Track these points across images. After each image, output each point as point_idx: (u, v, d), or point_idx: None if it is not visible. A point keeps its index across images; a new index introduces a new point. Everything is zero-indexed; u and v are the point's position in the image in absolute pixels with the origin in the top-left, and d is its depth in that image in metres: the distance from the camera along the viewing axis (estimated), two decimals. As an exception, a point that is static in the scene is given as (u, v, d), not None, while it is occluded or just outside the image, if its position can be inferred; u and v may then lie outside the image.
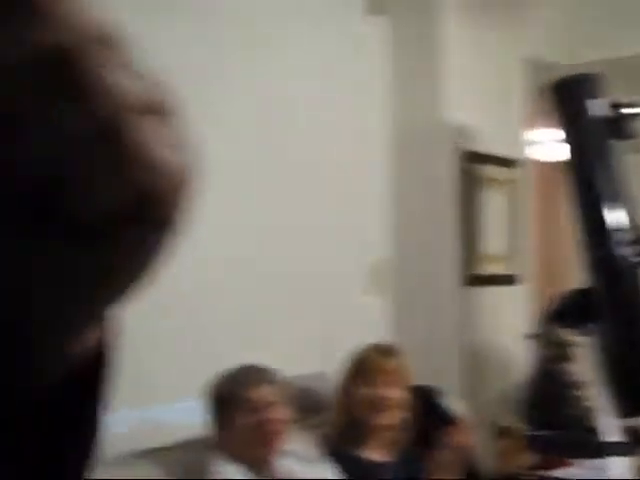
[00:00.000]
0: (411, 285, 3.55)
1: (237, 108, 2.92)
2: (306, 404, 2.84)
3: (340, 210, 3.35)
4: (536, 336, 2.93)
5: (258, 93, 3.01)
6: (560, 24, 4.51)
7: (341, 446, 2.59)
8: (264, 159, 3.05)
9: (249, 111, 2.98)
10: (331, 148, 3.32)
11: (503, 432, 3.16)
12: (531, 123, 4.21)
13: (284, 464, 2.33)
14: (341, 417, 2.66)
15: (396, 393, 2.67)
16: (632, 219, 2.47)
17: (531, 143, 4.65)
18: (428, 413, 3.09)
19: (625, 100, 2.48)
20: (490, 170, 3.75)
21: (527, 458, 3.33)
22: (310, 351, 3.04)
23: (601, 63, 4.14)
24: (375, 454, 2.65)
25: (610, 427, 2.42)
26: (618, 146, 2.48)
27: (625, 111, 2.45)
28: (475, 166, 3.65)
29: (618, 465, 2.40)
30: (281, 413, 2.28)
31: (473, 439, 2.84)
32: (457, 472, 2.59)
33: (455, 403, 3.28)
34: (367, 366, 2.68)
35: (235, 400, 2.26)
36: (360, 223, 3.45)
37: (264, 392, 2.27)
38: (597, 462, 3.05)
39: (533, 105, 4.00)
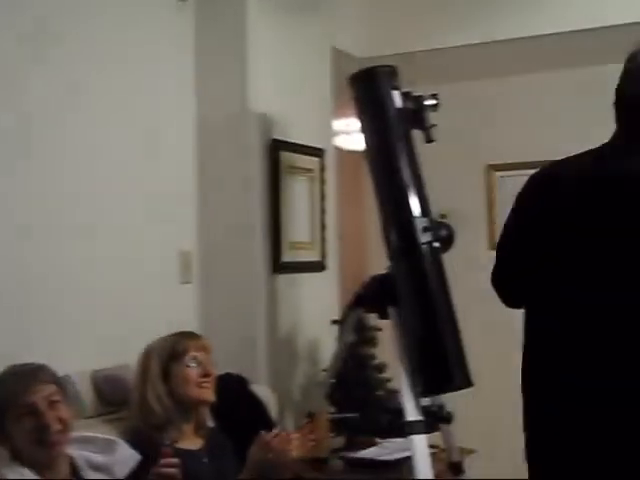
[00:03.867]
0: (219, 274, 3.55)
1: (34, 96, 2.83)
2: (110, 397, 2.80)
3: (147, 201, 3.30)
4: (342, 321, 2.99)
5: (54, 79, 2.92)
6: (362, 17, 4.63)
7: (148, 436, 2.57)
8: (67, 150, 2.96)
9: (50, 97, 2.89)
10: (135, 138, 3.26)
11: (311, 416, 3.21)
12: (338, 113, 4.30)
13: (80, 458, 2.29)
14: (146, 407, 2.63)
15: (212, 370, 2.70)
16: (429, 206, 2.57)
17: (338, 132, 4.74)
18: (237, 401, 3.11)
19: (421, 92, 2.57)
20: (297, 158, 3.80)
21: (334, 441, 3.41)
22: (115, 344, 2.99)
23: (399, 56, 4.29)
24: (185, 442, 2.64)
25: (411, 407, 2.51)
26: (415, 136, 2.57)
27: (422, 102, 2.54)
28: (282, 154, 3.68)
29: (419, 442, 2.49)
30: (62, 412, 2.22)
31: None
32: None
33: (264, 390, 3.32)
34: (178, 348, 2.68)
35: (9, 406, 2.18)
36: (167, 214, 3.41)
37: (40, 393, 2.20)
38: (400, 441, 3.16)
39: (340, 95, 4.08)
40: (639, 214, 2.06)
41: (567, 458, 2.12)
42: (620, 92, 2.17)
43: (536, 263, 2.21)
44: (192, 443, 2.67)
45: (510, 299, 2.36)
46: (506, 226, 2.34)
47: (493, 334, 5.25)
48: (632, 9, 4.21)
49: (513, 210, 2.31)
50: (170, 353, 2.69)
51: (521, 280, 2.28)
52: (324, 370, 3.36)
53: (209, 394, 2.69)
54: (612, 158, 2.14)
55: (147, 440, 2.53)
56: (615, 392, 2.06)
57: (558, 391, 2.14)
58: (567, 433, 2.11)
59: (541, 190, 2.22)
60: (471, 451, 3.36)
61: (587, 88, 5.12)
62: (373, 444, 3.42)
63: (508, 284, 2.33)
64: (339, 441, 3.43)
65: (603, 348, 2.08)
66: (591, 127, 5.09)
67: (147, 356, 2.71)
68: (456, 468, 3.00)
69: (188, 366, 2.67)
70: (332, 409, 3.43)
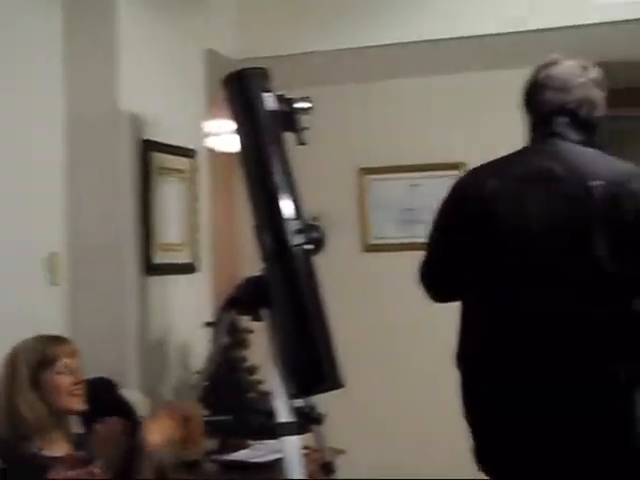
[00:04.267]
0: (89, 276, 3.48)
1: None
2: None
3: (15, 201, 3.20)
4: (214, 323, 2.98)
5: None
6: (237, 19, 4.63)
7: (13, 444, 2.50)
8: None
9: None
10: (3, 139, 3.17)
11: (184, 419, 3.18)
12: (212, 114, 4.28)
13: None
14: (16, 416, 2.56)
15: (83, 376, 2.64)
16: (301, 209, 2.58)
17: (210, 134, 4.72)
18: (107, 406, 3.05)
19: (292, 95, 2.58)
20: (169, 159, 3.76)
21: (207, 443, 3.39)
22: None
23: (273, 59, 4.30)
24: (53, 449, 2.58)
25: (283, 408, 2.51)
26: (287, 138, 2.58)
27: (294, 105, 2.56)
28: (154, 155, 3.64)
29: (291, 444, 2.50)
30: None
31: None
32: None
33: (134, 394, 3.27)
34: (48, 355, 2.61)
35: None
36: (36, 215, 3.32)
37: None
38: (272, 443, 3.17)
39: (214, 97, 4.07)
40: (552, 214, 2.23)
41: (501, 459, 2.30)
42: (531, 101, 2.42)
43: (460, 267, 2.38)
44: (60, 450, 2.61)
45: (436, 298, 2.55)
46: (433, 229, 2.47)
47: (366, 334, 5.33)
48: (496, 20, 4.37)
49: (439, 214, 2.45)
50: (40, 359, 2.62)
51: (448, 282, 2.47)
52: (197, 373, 3.34)
53: (80, 402, 2.64)
54: (527, 160, 2.35)
55: (12, 449, 2.46)
56: (542, 397, 2.19)
57: (488, 395, 2.29)
58: (498, 436, 2.27)
59: (461, 195, 2.39)
60: (342, 451, 3.40)
61: (455, 94, 5.26)
62: (246, 446, 3.42)
63: (434, 285, 2.51)
64: (212, 444, 3.41)
65: (530, 353, 2.21)
66: (460, 132, 5.26)
67: (14, 361, 2.63)
68: (327, 468, 3.03)
69: (59, 374, 2.61)
70: (205, 412, 3.41)
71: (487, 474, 2.38)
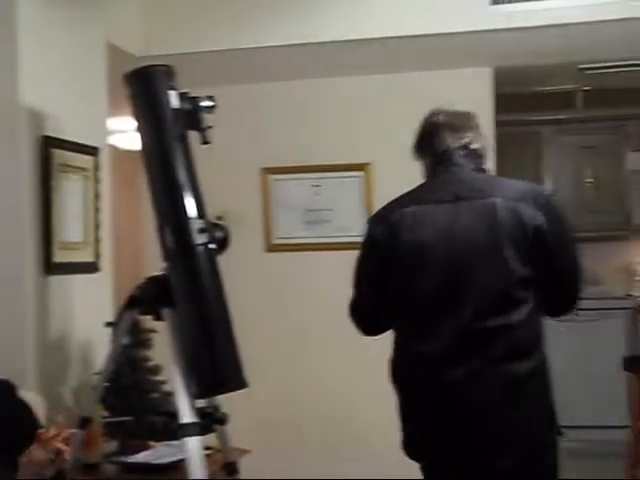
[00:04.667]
0: (-14, 275, 3.40)
1: None
2: None
3: None
4: (116, 323, 2.94)
5: None
6: (141, 15, 4.58)
7: None
8: None
9: None
10: None
11: (85, 421, 3.13)
12: (115, 111, 4.22)
13: None
14: None
15: None
16: (205, 208, 2.57)
17: (113, 131, 4.65)
18: (4, 408, 2.98)
19: (198, 94, 2.57)
20: (70, 157, 3.70)
21: (108, 445, 3.35)
22: None
23: (179, 56, 4.28)
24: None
25: (186, 409, 2.50)
26: (191, 136, 2.57)
27: (198, 103, 2.54)
28: (54, 152, 3.57)
29: (193, 444, 2.49)
30: None
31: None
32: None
33: (32, 396, 3.20)
34: None
35: None
36: None
37: None
38: (175, 444, 3.14)
39: (117, 93, 4.02)
40: (467, 229, 2.61)
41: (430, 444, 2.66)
42: (431, 141, 2.85)
43: (383, 302, 2.73)
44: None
45: (367, 332, 2.85)
46: (357, 266, 2.79)
47: (269, 334, 5.34)
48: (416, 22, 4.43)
49: (361, 252, 2.78)
50: None
51: (375, 316, 2.78)
52: (97, 373, 3.29)
53: None
54: (437, 188, 2.76)
55: None
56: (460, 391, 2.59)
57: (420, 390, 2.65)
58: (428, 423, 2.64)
59: (375, 233, 2.73)
60: (246, 451, 3.40)
61: (359, 96, 5.32)
62: (148, 448, 3.38)
63: (364, 320, 2.82)
64: (112, 445, 3.37)
65: (452, 360, 2.57)
66: (364, 133, 5.31)
67: None
68: (231, 469, 3.02)
69: None
70: (106, 413, 3.37)
71: (418, 460, 2.72)
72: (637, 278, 7.32)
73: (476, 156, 2.81)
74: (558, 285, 2.66)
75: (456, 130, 2.82)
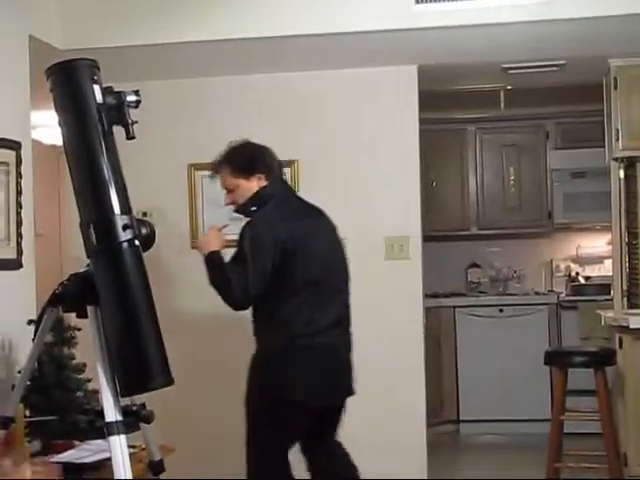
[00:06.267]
0: None
1: None
2: None
3: None
4: (38, 321, 2.89)
5: None
6: (64, 8, 4.51)
7: None
8: None
9: None
10: None
11: (6, 421, 3.08)
12: (38, 105, 4.15)
13: None
14: None
15: None
16: (129, 204, 2.54)
17: (37, 125, 4.58)
18: None
19: (123, 88, 2.54)
20: (-9, 151, 3.63)
21: (31, 445, 3.29)
22: None
23: (104, 50, 4.23)
24: None
25: (111, 407, 2.47)
26: (116, 132, 2.53)
27: (123, 98, 2.51)
28: (-25, 147, 3.50)
29: (118, 443, 2.46)
30: None
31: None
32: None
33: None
34: None
35: None
36: None
37: None
38: (100, 442, 3.11)
39: (40, 87, 3.95)
40: (330, 242, 3.82)
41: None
42: (266, 160, 3.71)
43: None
44: None
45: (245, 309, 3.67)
46: (253, 255, 3.53)
47: (196, 332, 5.30)
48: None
49: (253, 243, 3.53)
50: None
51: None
52: (19, 372, 3.23)
53: None
54: (297, 201, 3.86)
55: None
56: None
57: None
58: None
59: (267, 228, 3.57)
60: (172, 450, 3.37)
61: (288, 92, 5.32)
62: (72, 447, 3.33)
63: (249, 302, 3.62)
64: (35, 445, 3.31)
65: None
66: (292, 129, 5.31)
67: None
68: (156, 467, 3.00)
69: None
70: (28, 412, 3.31)
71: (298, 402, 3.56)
72: (558, 274, 7.47)
73: None
74: None
75: (273, 154, 3.77)
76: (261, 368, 3.67)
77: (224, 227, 3.71)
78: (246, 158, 3.70)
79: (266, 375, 3.64)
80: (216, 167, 3.77)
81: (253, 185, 3.67)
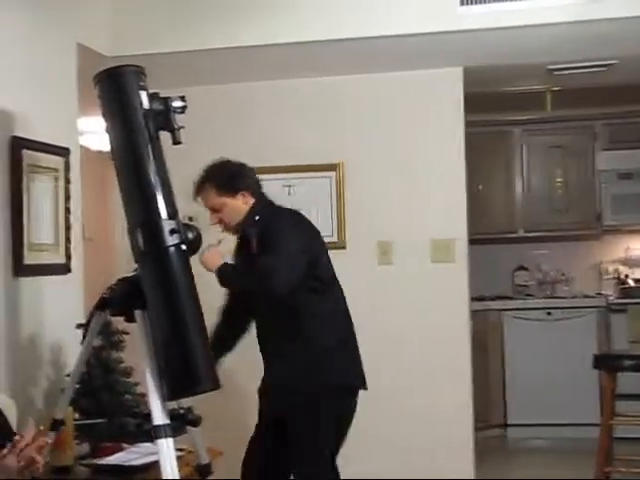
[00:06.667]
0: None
1: None
2: None
3: None
4: (87, 325, 2.92)
5: None
6: (112, 16, 4.55)
7: None
8: None
9: None
10: None
11: (56, 424, 3.11)
12: (85, 111, 4.19)
13: None
14: None
15: None
16: (176, 209, 2.56)
17: (84, 132, 4.63)
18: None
19: (169, 94, 2.56)
20: (40, 157, 3.68)
21: (80, 448, 3.33)
22: None
23: (149, 57, 4.26)
24: None
25: (158, 410, 2.49)
26: (164, 137, 2.55)
27: (169, 104, 2.53)
28: (24, 152, 3.55)
29: (166, 446, 2.48)
30: None
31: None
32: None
33: (2, 398, 3.18)
34: None
35: None
36: None
37: None
38: (148, 445, 3.13)
39: (88, 94, 4.00)
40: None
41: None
42: (250, 178, 3.69)
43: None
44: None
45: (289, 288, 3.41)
46: (297, 246, 3.47)
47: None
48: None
49: (297, 235, 3.52)
50: None
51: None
52: (68, 375, 3.27)
53: None
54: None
55: None
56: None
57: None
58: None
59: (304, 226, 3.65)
60: (219, 453, 3.38)
61: (329, 97, 5.32)
62: (121, 450, 3.36)
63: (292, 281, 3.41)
64: (84, 448, 3.34)
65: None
66: (335, 133, 5.31)
67: None
68: (204, 470, 3.01)
69: None
70: (77, 415, 3.35)
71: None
72: (607, 277, 7.37)
73: None
74: None
75: (253, 172, 3.74)
76: (320, 371, 3.54)
77: (219, 242, 3.58)
78: (229, 176, 3.60)
79: (334, 374, 3.55)
80: (199, 188, 3.61)
81: (239, 202, 3.56)
